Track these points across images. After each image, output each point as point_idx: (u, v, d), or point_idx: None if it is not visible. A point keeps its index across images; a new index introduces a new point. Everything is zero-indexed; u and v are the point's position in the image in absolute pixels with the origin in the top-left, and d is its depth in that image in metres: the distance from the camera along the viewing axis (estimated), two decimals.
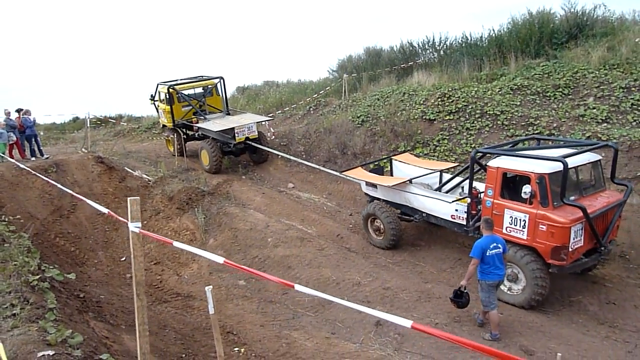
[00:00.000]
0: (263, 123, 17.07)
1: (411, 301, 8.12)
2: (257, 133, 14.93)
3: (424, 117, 13.93)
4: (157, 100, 17.18)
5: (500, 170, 8.03)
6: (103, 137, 22.25)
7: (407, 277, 9.25)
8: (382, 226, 10.29)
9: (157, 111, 17.75)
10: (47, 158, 14.26)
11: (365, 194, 11.28)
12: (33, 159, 14.13)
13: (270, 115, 19.43)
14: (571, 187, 7.79)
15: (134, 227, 3.96)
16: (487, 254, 6.80)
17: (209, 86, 17.00)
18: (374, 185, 10.70)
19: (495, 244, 6.86)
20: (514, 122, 12.72)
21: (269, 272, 9.53)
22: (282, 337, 7.59)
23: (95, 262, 10.97)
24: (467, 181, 8.93)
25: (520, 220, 7.67)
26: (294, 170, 14.97)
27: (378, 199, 10.74)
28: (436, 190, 10.00)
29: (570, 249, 7.31)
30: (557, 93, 13.57)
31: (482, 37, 18.52)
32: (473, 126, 13.13)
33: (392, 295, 8.36)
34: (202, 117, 16.01)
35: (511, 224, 7.80)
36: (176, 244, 4.45)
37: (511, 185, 8.12)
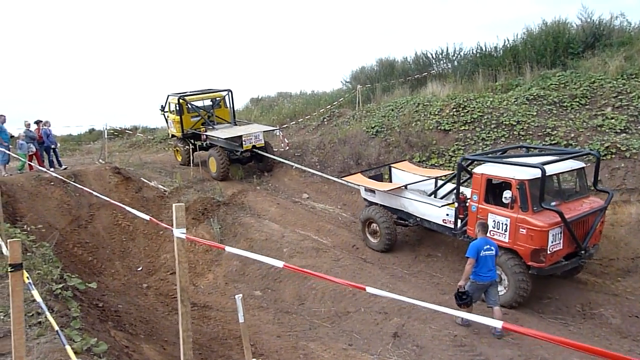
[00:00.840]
0: (277, 134, 17.26)
1: (429, 312, 8.02)
2: (263, 142, 15.25)
3: (438, 127, 13.90)
4: (167, 111, 17.56)
5: (484, 177, 8.36)
6: (119, 148, 22.55)
7: (424, 288, 9.17)
8: (378, 229, 10.65)
9: (166, 122, 18.13)
10: (65, 169, 14.49)
11: (364, 199, 11.60)
12: (52, 169, 14.35)
13: (284, 126, 19.58)
14: (553, 193, 8.09)
15: (179, 233, 3.94)
16: (481, 255, 7.07)
17: (217, 98, 17.40)
18: (373, 191, 11.06)
19: (488, 246, 7.16)
20: (530, 132, 12.62)
21: (285, 282, 9.55)
22: (299, 348, 7.54)
23: (112, 272, 11.06)
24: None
25: (502, 224, 7.97)
26: (309, 181, 15.00)
27: (376, 204, 11.06)
28: (429, 196, 10.39)
29: (548, 252, 7.55)
30: (574, 103, 13.46)
31: (496, 47, 18.59)
32: (489, 136, 13.06)
33: (410, 307, 8.27)
34: (210, 128, 16.36)
35: (494, 228, 8.07)
36: (228, 248, 4.46)
37: (496, 191, 8.35)
